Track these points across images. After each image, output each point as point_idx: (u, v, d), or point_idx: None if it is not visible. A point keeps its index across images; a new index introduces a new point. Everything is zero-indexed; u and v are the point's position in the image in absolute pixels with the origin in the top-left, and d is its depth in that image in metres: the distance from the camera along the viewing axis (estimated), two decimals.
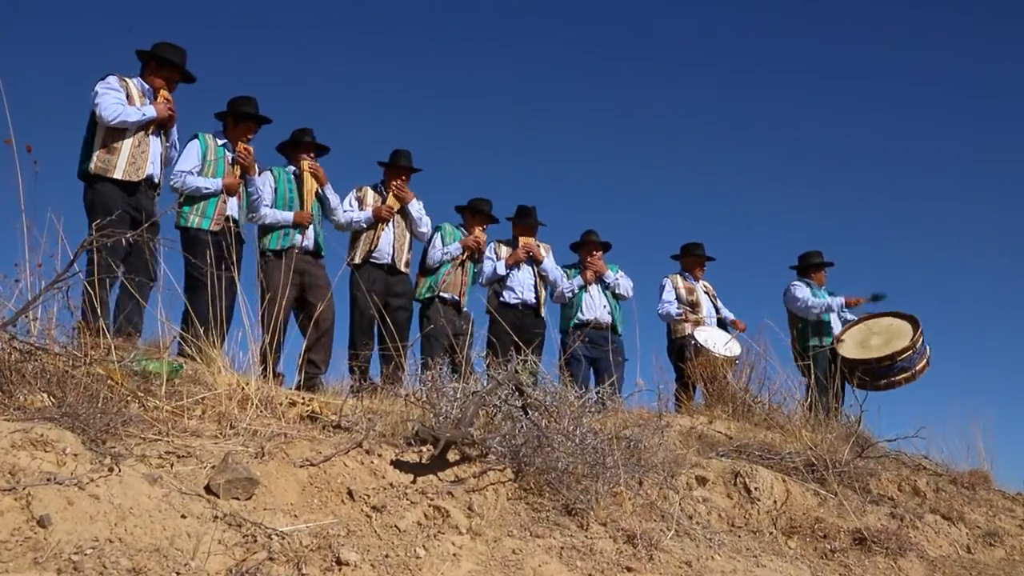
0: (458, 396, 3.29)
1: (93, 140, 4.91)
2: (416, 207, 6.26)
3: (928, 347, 6.76)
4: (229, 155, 5.48)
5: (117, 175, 4.86)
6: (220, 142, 5.49)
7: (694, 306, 7.56)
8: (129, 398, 3.06)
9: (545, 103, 21.88)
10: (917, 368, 6.67)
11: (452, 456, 3.10)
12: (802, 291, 7.57)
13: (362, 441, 3.02)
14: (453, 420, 3.14)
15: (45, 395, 2.61)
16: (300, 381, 5.52)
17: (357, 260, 6.08)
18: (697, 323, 7.45)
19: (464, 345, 6.32)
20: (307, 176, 5.84)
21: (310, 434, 3.24)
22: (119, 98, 4.90)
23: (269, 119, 5.70)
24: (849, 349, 6.87)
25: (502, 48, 21.73)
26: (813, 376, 6.78)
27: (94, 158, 4.86)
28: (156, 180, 5.11)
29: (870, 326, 7.05)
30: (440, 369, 3.39)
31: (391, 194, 6.20)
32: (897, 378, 6.63)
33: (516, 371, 3.80)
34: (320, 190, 5.88)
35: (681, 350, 7.30)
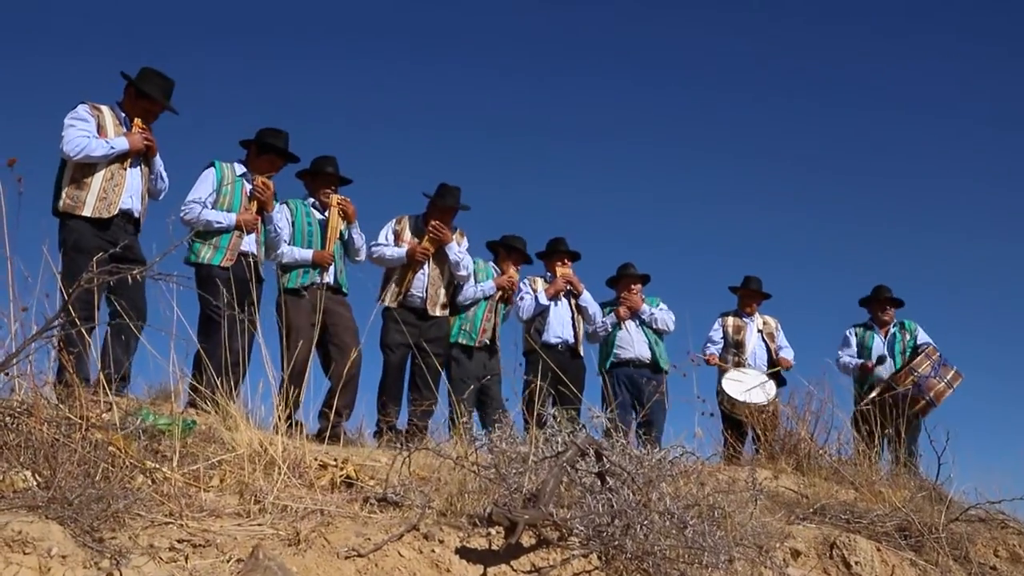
0: (529, 462, 2.74)
1: (63, 175, 4.40)
2: (455, 250, 5.66)
3: (950, 369, 6.30)
4: (247, 186, 4.96)
5: (86, 212, 4.32)
6: (239, 171, 4.98)
7: (739, 346, 7.03)
8: (134, 468, 2.52)
9: (580, 132, 21.19)
10: (931, 394, 6.19)
11: (527, 539, 2.54)
12: (842, 347, 7.17)
13: (418, 522, 2.46)
14: (526, 494, 2.59)
15: (29, 472, 2.06)
16: (322, 430, 4.96)
17: (388, 303, 5.54)
18: (738, 365, 6.92)
19: (491, 387, 5.78)
20: (334, 213, 5.30)
21: (352, 510, 2.69)
22: (86, 130, 4.38)
23: (297, 158, 5.20)
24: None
25: (536, 75, 21.14)
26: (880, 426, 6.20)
27: (63, 195, 4.34)
28: (136, 215, 4.55)
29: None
30: (509, 431, 2.84)
31: (427, 236, 5.61)
32: (914, 409, 6.13)
33: (585, 429, 3.25)
34: (347, 230, 5.36)
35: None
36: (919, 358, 6.24)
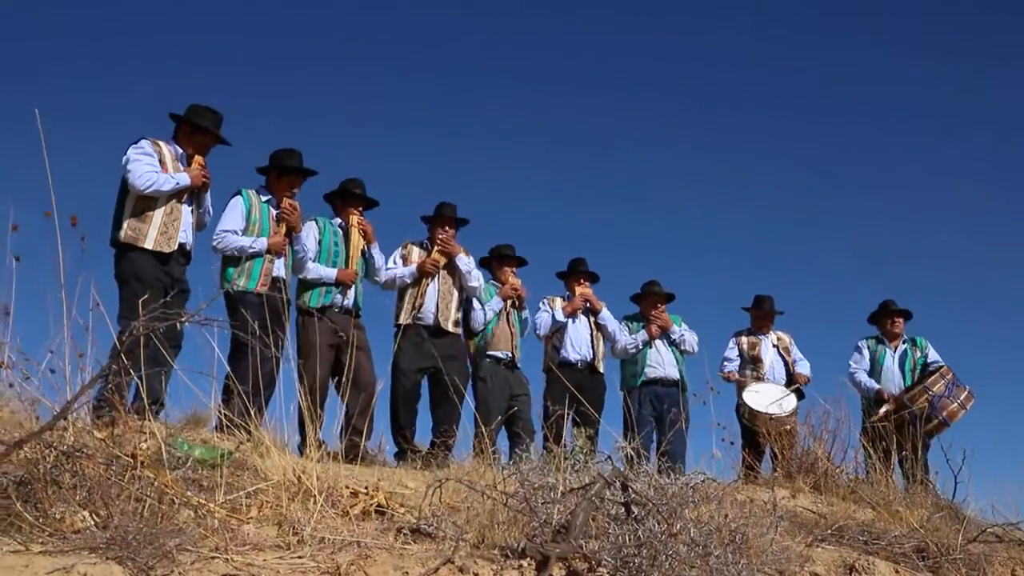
0: (557, 494, 2.83)
1: (124, 207, 4.59)
2: (465, 261, 5.87)
3: (964, 389, 6.34)
4: (273, 212, 5.12)
5: (148, 245, 4.52)
6: (264, 198, 5.13)
7: (756, 362, 7.11)
8: (179, 503, 2.62)
9: (594, 144, 20.93)
10: (962, 398, 6.26)
11: (557, 570, 2.63)
12: (855, 356, 7.16)
13: (452, 555, 2.56)
14: (556, 526, 2.68)
15: (86, 513, 2.17)
16: (344, 451, 5.06)
17: (402, 320, 5.66)
18: (758, 379, 7.00)
19: (522, 408, 5.89)
20: (354, 232, 5.46)
21: (386, 541, 2.79)
22: (152, 164, 4.58)
23: (315, 171, 5.34)
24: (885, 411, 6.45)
25: (549, 87, 20.99)
26: (895, 443, 6.25)
27: (124, 226, 4.54)
28: (188, 248, 4.76)
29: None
30: (537, 461, 2.94)
31: (436, 248, 5.80)
32: (927, 427, 6.17)
33: (611, 460, 3.35)
34: (367, 248, 5.50)
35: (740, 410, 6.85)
36: (933, 377, 6.27)
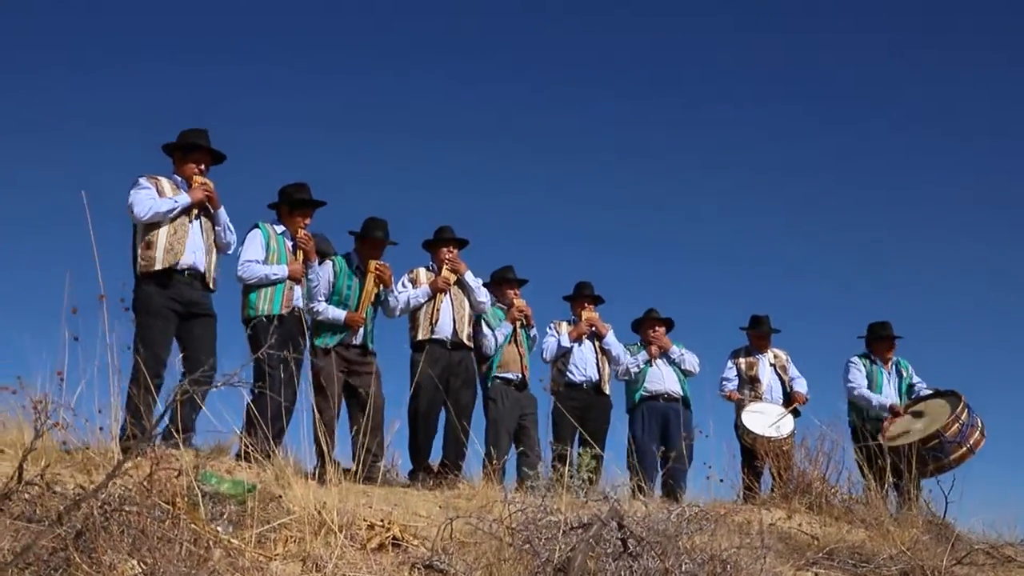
0: (559, 532, 3.07)
1: (136, 241, 4.86)
2: (472, 278, 6.14)
3: (978, 418, 6.41)
4: (289, 243, 5.38)
5: (157, 267, 4.76)
6: (279, 230, 5.39)
7: (754, 382, 7.31)
8: (211, 543, 2.87)
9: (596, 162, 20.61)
10: (971, 443, 6.29)
11: None
12: (855, 374, 7.22)
13: None
14: (557, 564, 2.91)
15: (135, 561, 2.42)
16: (359, 474, 5.30)
17: (420, 337, 5.91)
18: (756, 399, 7.21)
19: (529, 426, 6.12)
20: (369, 279, 5.66)
21: None
22: (150, 195, 4.82)
23: (323, 202, 5.59)
24: (893, 439, 6.55)
25: (551, 101, 20.77)
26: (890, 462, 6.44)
27: (138, 257, 4.80)
28: (202, 270, 4.93)
29: (911, 414, 6.78)
30: (541, 496, 3.17)
31: (445, 267, 6.06)
32: (949, 458, 6.27)
33: (611, 497, 3.58)
34: (382, 292, 5.73)
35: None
36: (960, 406, 6.31)
